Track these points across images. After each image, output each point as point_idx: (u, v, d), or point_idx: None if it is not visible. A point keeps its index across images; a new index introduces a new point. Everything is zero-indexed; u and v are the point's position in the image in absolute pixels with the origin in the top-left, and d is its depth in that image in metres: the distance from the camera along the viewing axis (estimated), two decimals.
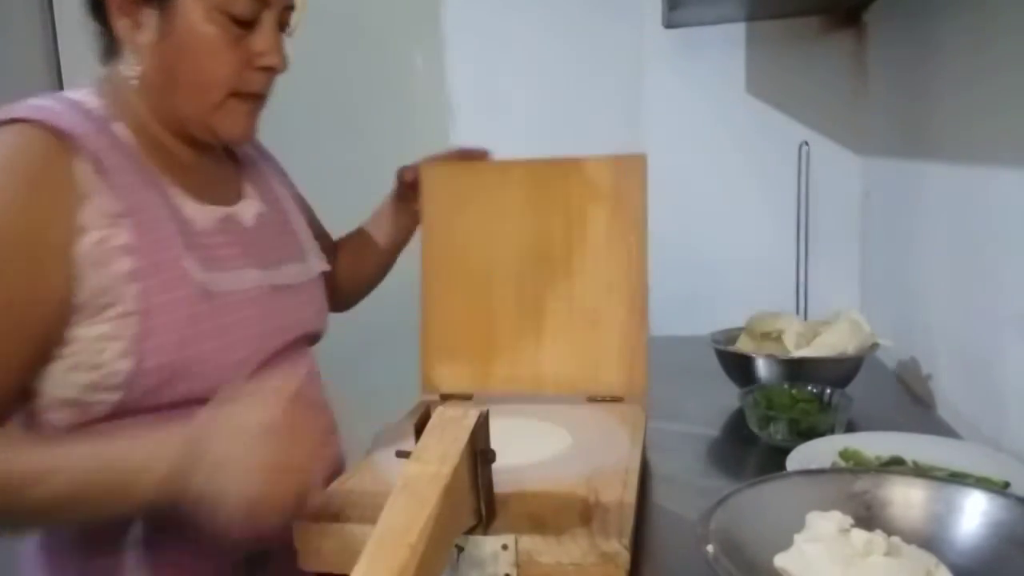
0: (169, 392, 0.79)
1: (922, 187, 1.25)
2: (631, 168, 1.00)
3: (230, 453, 0.65)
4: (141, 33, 0.82)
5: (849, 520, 0.61)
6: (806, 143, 1.57)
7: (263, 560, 0.85)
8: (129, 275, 0.77)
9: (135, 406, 0.78)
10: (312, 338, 0.99)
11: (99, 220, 0.76)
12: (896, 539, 0.60)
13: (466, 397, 0.99)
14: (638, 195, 0.99)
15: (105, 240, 0.76)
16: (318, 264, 1.01)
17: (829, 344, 1.17)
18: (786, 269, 1.58)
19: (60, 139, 0.76)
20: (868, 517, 0.64)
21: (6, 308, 0.74)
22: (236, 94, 0.86)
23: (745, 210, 1.66)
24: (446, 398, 1.00)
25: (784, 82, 1.61)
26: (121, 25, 0.82)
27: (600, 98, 1.71)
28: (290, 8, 0.88)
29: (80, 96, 0.84)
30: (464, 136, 1.76)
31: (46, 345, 0.76)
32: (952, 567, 0.58)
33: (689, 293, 1.66)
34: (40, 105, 0.79)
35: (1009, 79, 0.93)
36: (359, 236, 1.20)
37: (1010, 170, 0.94)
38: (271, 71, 0.87)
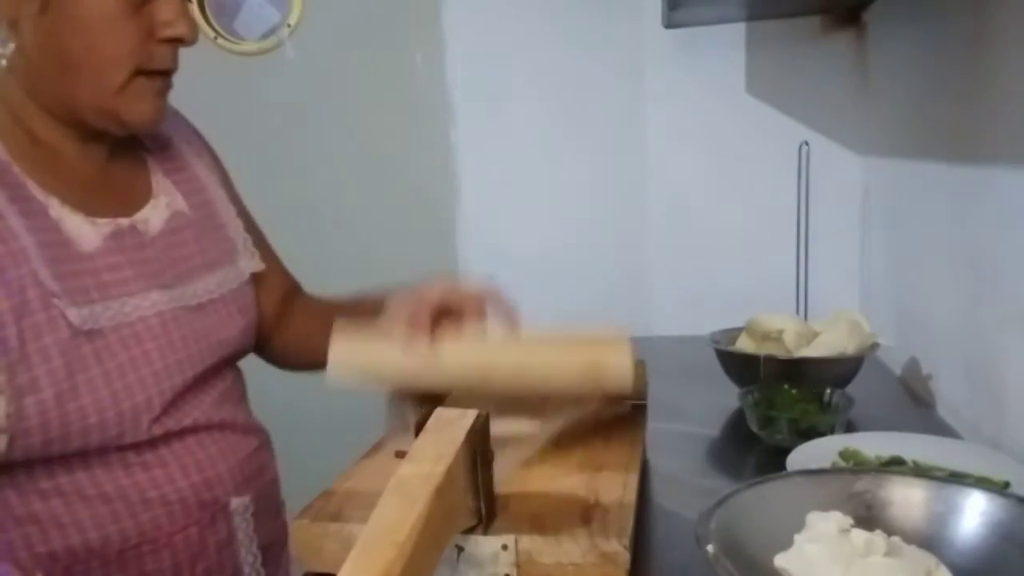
0: (60, 446, 0.69)
1: (922, 187, 1.25)
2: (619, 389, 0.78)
3: None
4: (15, 3, 0.68)
5: (849, 520, 0.61)
6: (806, 143, 1.57)
7: None
8: None
9: (23, 459, 0.69)
10: (235, 357, 0.88)
11: None
12: (896, 539, 0.60)
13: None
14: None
15: None
16: (248, 264, 0.89)
17: (829, 344, 1.17)
18: (786, 269, 1.58)
19: None
20: (868, 517, 0.64)
21: None
22: (141, 72, 0.73)
23: (745, 210, 1.66)
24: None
25: (784, 82, 1.61)
26: None
27: (600, 98, 1.71)
28: None
29: None
30: (464, 136, 1.76)
31: None
32: (952, 567, 0.58)
33: (689, 293, 1.66)
34: None
35: (1009, 79, 0.93)
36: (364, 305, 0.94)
37: (1010, 170, 0.94)
38: (178, 42, 0.75)
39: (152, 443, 0.76)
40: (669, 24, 1.57)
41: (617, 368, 0.77)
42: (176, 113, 0.91)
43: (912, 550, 0.59)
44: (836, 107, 1.60)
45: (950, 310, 1.13)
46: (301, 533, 0.69)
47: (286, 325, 1.00)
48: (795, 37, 1.59)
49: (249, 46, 1.77)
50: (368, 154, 1.81)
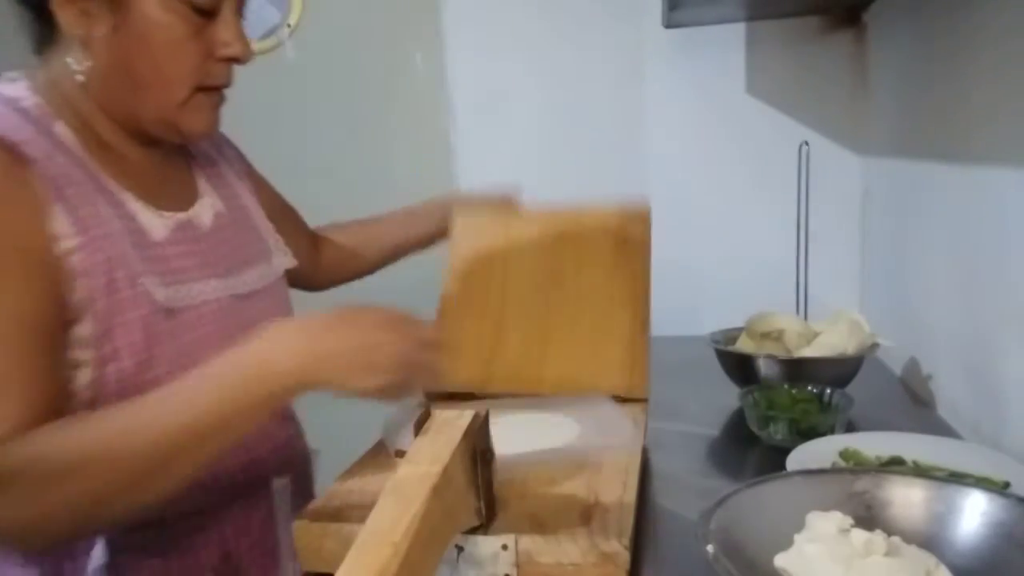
0: None
1: (922, 187, 1.25)
2: (637, 218, 1.11)
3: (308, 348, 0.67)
4: (90, 24, 0.74)
5: (849, 520, 0.61)
6: (806, 143, 1.57)
7: None
8: (88, 294, 0.72)
9: None
10: None
11: (62, 230, 0.71)
12: (896, 539, 0.60)
13: (467, 396, 0.99)
14: (643, 237, 1.10)
15: (69, 253, 0.71)
16: (282, 262, 0.97)
17: (829, 344, 1.17)
18: (786, 269, 1.58)
19: (8, 149, 0.70)
20: (868, 517, 0.64)
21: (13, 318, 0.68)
22: (201, 88, 0.80)
23: (745, 210, 1.66)
24: (448, 397, 1.00)
25: (784, 82, 1.61)
26: (66, 14, 0.74)
27: (600, 98, 1.71)
28: None
29: (13, 92, 0.77)
30: (464, 136, 1.76)
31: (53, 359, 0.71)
32: (952, 567, 0.58)
33: (689, 293, 1.66)
34: None
35: (1009, 79, 0.93)
36: (376, 225, 1.21)
37: (1010, 170, 0.94)
38: (235, 61, 0.82)
39: None
40: (669, 24, 1.57)
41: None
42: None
43: (912, 550, 0.59)
44: (836, 107, 1.60)
45: (950, 310, 1.13)
46: (301, 533, 0.69)
47: (322, 259, 1.16)
48: (795, 37, 1.59)
49: None
50: (368, 154, 1.81)
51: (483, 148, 1.77)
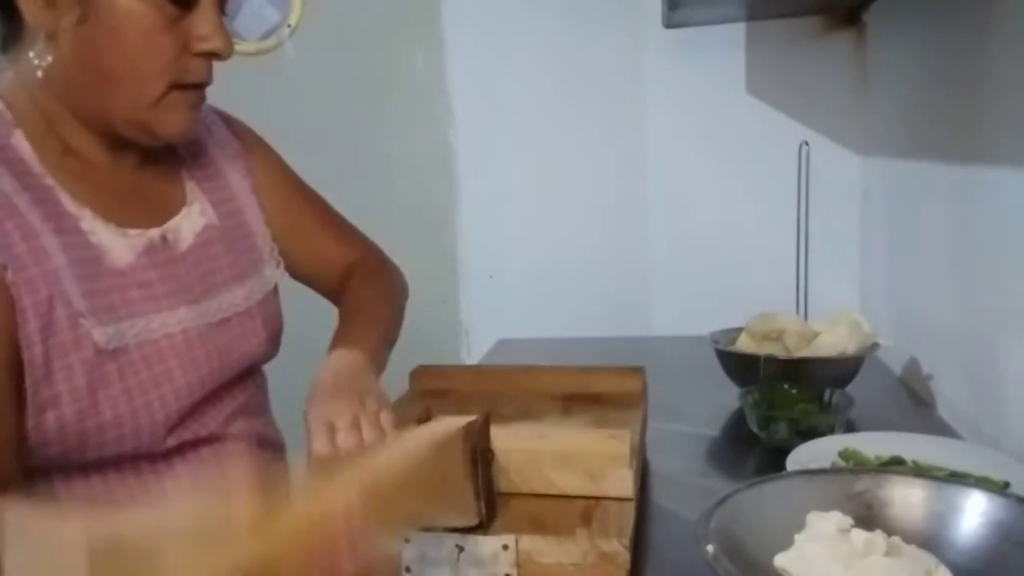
0: (77, 456, 0.70)
1: (922, 187, 1.25)
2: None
3: None
4: (56, 15, 0.68)
5: (849, 520, 0.61)
6: (806, 143, 1.57)
7: None
8: (25, 337, 0.66)
9: (42, 466, 0.70)
10: (257, 367, 0.88)
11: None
12: (896, 539, 0.60)
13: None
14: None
15: (12, 286, 0.66)
16: (273, 274, 0.89)
17: (829, 344, 1.17)
18: (786, 269, 1.58)
19: None
20: (868, 517, 0.64)
21: None
22: (176, 86, 0.72)
23: (745, 210, 1.66)
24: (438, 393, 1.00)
25: (784, 82, 1.61)
26: (29, 5, 0.68)
27: (600, 98, 1.71)
28: None
29: None
30: (464, 136, 1.76)
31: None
32: (952, 567, 0.58)
33: (689, 293, 1.66)
34: None
35: (1008, 79, 0.93)
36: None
37: (1010, 170, 0.94)
38: (213, 57, 0.74)
39: (166, 454, 0.75)
40: (669, 24, 1.57)
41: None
42: (214, 115, 0.91)
43: (912, 550, 0.59)
44: (836, 107, 1.60)
45: (950, 310, 1.13)
46: None
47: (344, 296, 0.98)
48: (795, 37, 1.59)
49: (249, 46, 1.77)
50: (368, 155, 1.81)
51: (483, 148, 1.77)
